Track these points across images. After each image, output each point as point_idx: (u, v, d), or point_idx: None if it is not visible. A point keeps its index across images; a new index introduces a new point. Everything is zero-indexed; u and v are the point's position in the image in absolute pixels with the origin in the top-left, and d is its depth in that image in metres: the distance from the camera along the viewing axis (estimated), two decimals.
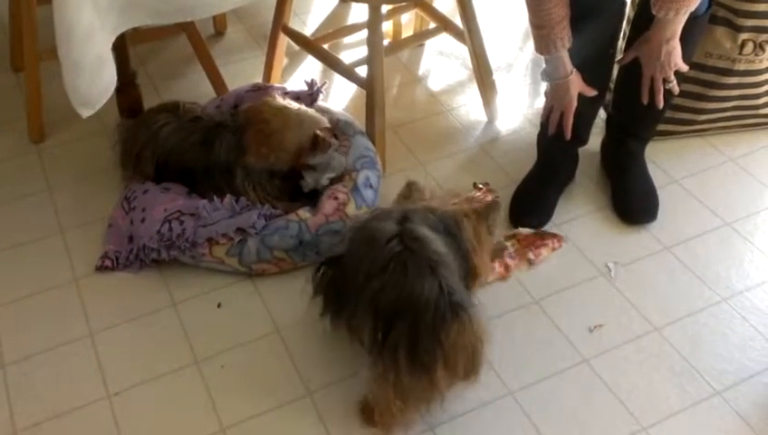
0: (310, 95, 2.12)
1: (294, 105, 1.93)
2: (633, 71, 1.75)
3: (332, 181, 1.93)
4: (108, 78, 1.75)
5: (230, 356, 1.64)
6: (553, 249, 1.86)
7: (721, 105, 2.10)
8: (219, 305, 1.75)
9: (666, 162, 2.09)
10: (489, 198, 2.00)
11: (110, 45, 1.73)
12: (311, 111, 1.96)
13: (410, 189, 1.66)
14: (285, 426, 1.51)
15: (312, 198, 1.92)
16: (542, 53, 1.67)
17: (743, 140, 2.16)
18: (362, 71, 2.08)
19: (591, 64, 1.73)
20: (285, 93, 2.10)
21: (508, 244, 1.87)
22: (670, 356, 1.63)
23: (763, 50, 2.01)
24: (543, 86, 1.75)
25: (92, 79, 1.71)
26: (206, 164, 1.87)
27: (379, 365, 1.39)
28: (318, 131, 1.88)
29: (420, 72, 2.48)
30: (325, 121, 1.94)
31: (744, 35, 1.98)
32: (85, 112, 1.75)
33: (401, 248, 1.40)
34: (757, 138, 2.17)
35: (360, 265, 1.45)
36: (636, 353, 1.64)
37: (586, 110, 1.84)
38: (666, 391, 1.56)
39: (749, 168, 2.08)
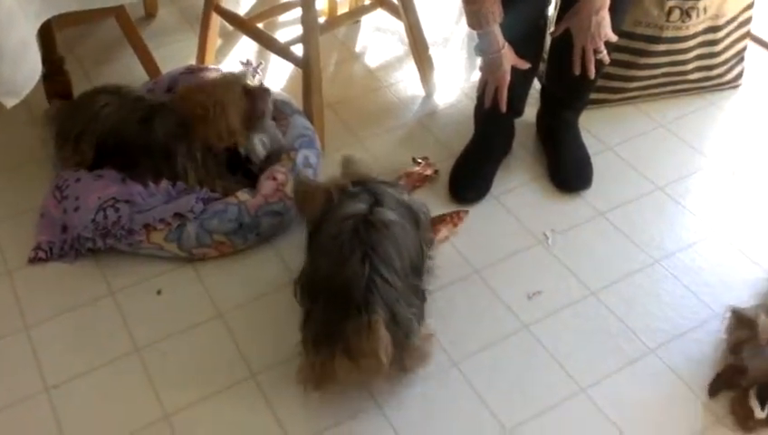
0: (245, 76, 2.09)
1: (229, 77, 1.91)
2: (564, 42, 1.77)
3: (271, 160, 1.92)
4: (32, 64, 1.70)
5: (172, 343, 1.62)
6: (455, 225, 1.87)
7: (651, 72, 2.15)
8: (159, 292, 1.73)
9: (599, 130, 2.12)
10: (428, 171, 2.03)
11: (35, 30, 1.67)
12: (232, 71, 1.95)
13: (348, 164, 1.67)
14: (230, 409, 1.51)
15: (250, 178, 1.90)
16: (474, 28, 1.68)
17: (673, 106, 2.21)
18: (298, 49, 2.06)
19: (523, 38, 1.75)
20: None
21: None
22: (606, 318, 1.67)
23: (689, 16, 2.05)
24: (479, 60, 1.76)
25: (16, 65, 1.65)
26: (146, 144, 1.83)
27: (301, 334, 1.44)
28: (247, 84, 1.87)
29: (357, 49, 2.47)
30: (248, 76, 1.92)
31: (670, 2, 2.02)
32: (10, 102, 1.69)
33: (349, 228, 1.42)
34: (687, 103, 2.22)
35: (318, 240, 1.50)
36: (573, 317, 1.68)
37: (520, 82, 1.86)
38: (603, 352, 1.60)
39: (679, 132, 2.13)
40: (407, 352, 1.42)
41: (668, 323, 1.66)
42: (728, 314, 1.58)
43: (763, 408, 1.45)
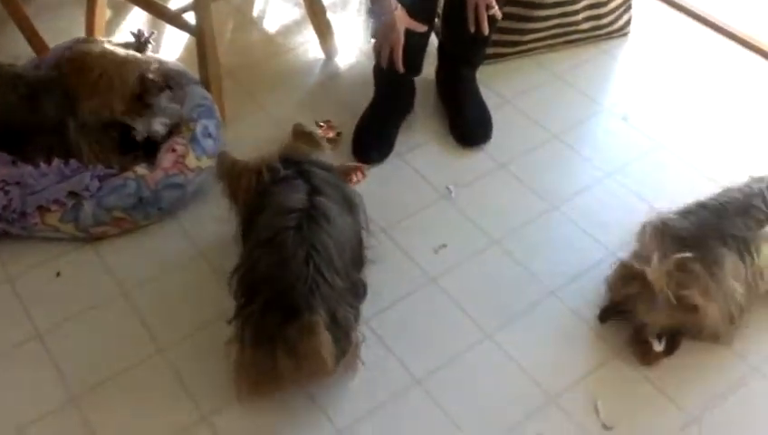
0: (137, 47, 2.03)
1: (119, 50, 1.86)
2: (457, 0, 1.79)
3: (170, 133, 1.88)
4: None
5: (75, 325, 1.59)
6: (356, 182, 1.88)
7: (543, 24, 2.19)
8: (58, 274, 1.68)
9: (497, 84, 2.16)
10: (331, 134, 2.03)
11: None
12: (137, 54, 1.89)
13: (299, 135, 1.67)
14: (139, 386, 1.49)
15: (149, 152, 1.86)
16: None
17: (567, 56, 2.26)
18: (191, 17, 2.01)
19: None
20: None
21: None
22: (509, 265, 1.72)
23: None
24: (373, 23, 1.76)
25: None
26: (35, 122, 1.76)
27: (233, 331, 1.39)
28: (146, 74, 1.82)
29: (254, 15, 2.43)
30: (153, 64, 1.87)
31: None
32: None
33: (293, 225, 1.38)
34: (580, 53, 2.28)
35: (257, 231, 1.44)
36: (478, 267, 1.72)
37: (416, 41, 1.86)
38: (506, 298, 1.65)
39: (573, 82, 2.19)
40: (347, 351, 1.40)
41: (567, 265, 1.72)
42: (615, 267, 1.58)
43: (660, 342, 1.53)
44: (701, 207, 1.61)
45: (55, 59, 2.01)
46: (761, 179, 1.66)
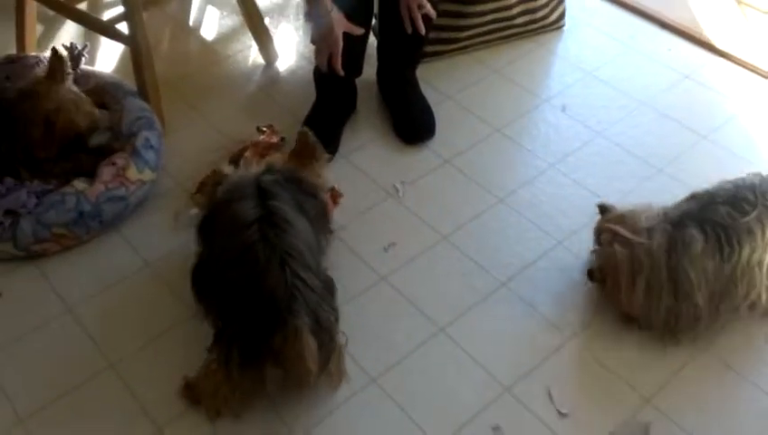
0: (71, 61, 1.99)
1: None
2: (391, 1, 1.80)
3: (108, 149, 1.84)
4: None
5: (20, 345, 1.54)
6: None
7: (480, 20, 2.22)
8: (0, 295, 1.63)
9: (438, 81, 2.18)
10: (274, 139, 2.02)
11: None
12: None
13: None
14: (90, 402, 1.46)
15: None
16: None
17: (504, 51, 2.30)
18: (124, 27, 1.97)
19: (352, 2, 1.75)
20: (39, 63, 1.96)
21: None
22: (459, 259, 1.74)
23: None
24: (310, 27, 1.75)
25: None
26: None
27: (214, 354, 1.37)
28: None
29: (191, 24, 2.41)
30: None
31: None
32: None
33: (257, 238, 1.35)
34: (517, 47, 2.32)
35: (219, 253, 1.41)
36: (428, 263, 1.73)
37: (354, 44, 1.86)
38: (457, 292, 1.67)
39: (512, 76, 2.22)
40: (332, 353, 1.38)
41: (516, 256, 1.74)
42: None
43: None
44: (692, 197, 1.58)
45: None
46: (757, 174, 1.59)
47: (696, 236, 1.49)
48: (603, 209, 1.61)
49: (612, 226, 1.54)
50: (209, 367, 1.39)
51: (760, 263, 1.52)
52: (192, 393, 1.45)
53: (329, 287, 1.46)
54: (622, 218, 1.55)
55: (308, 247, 1.41)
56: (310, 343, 1.28)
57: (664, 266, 1.49)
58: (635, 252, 1.50)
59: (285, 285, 1.31)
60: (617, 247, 1.51)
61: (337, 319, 1.40)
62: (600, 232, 1.59)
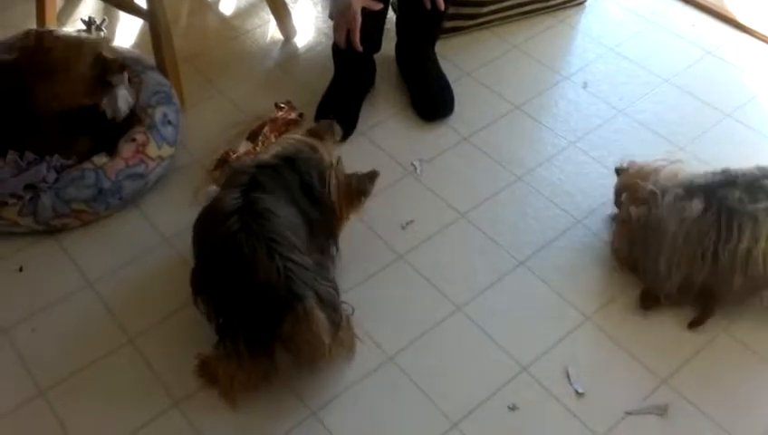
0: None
1: (73, 33, 1.81)
2: None
3: (127, 123, 1.84)
4: None
5: (40, 318, 1.56)
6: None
7: None
8: (21, 269, 1.65)
9: (457, 57, 2.16)
10: (292, 115, 2.01)
11: None
12: (90, 35, 1.85)
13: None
14: (110, 376, 1.48)
15: (105, 139, 1.82)
16: None
17: (525, 27, 2.27)
18: (143, 2, 1.97)
19: None
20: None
21: None
22: (476, 238, 1.73)
23: None
24: (329, 3, 1.74)
25: None
26: None
27: (221, 348, 1.36)
28: (103, 52, 1.77)
29: None
30: (108, 42, 1.83)
31: None
32: None
33: (237, 227, 1.33)
34: (537, 23, 2.28)
35: (202, 247, 1.41)
36: (446, 241, 1.72)
37: (373, 19, 1.85)
38: (475, 270, 1.66)
39: (532, 52, 2.19)
40: (340, 327, 1.38)
41: (534, 235, 1.73)
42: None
43: None
44: (722, 172, 1.54)
45: (8, 46, 1.96)
46: None
47: (696, 206, 1.48)
48: (620, 172, 1.65)
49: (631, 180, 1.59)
50: (221, 359, 1.39)
51: (765, 255, 1.46)
52: (208, 372, 1.45)
53: (321, 263, 1.44)
54: (641, 172, 1.60)
55: (293, 231, 1.38)
56: (321, 319, 1.28)
57: (655, 222, 1.52)
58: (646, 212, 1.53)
59: (278, 271, 1.29)
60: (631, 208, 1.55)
61: (336, 290, 1.39)
62: (619, 192, 1.64)
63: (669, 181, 1.55)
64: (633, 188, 1.59)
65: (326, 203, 1.51)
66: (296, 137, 1.58)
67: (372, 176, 1.57)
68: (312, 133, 1.60)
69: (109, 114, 1.79)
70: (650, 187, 1.55)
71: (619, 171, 1.67)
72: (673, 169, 1.60)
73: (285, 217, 1.40)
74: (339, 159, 1.55)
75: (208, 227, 1.41)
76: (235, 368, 1.38)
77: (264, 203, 1.38)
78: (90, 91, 1.76)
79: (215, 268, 1.36)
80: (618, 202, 1.67)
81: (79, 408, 1.43)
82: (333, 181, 1.51)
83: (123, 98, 1.81)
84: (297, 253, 1.35)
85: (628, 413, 1.42)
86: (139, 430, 1.40)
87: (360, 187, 1.55)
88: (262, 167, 1.46)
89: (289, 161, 1.48)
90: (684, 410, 1.43)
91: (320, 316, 1.28)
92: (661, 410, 1.43)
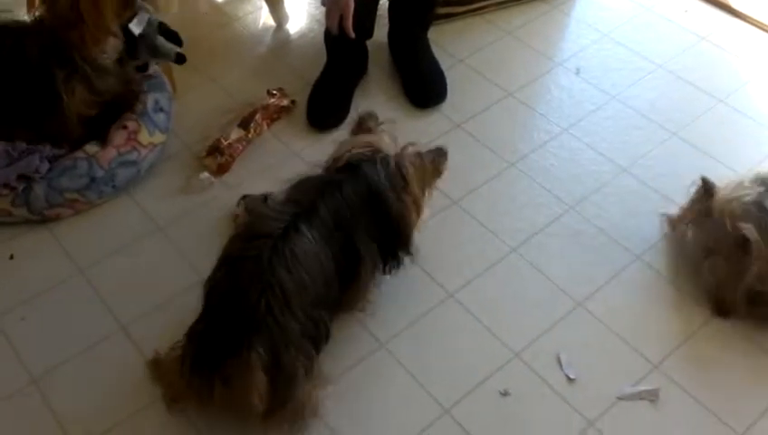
0: None
1: None
2: None
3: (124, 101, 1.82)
4: None
5: (30, 306, 1.56)
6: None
7: None
8: (12, 257, 1.65)
9: (449, 44, 2.15)
10: (284, 102, 2.01)
11: None
12: None
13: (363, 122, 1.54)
14: (101, 363, 1.47)
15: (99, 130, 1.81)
16: None
17: (518, 14, 2.26)
18: None
19: None
20: None
21: None
22: (470, 224, 1.73)
23: None
24: None
25: None
26: (20, 73, 1.65)
27: (177, 349, 1.34)
28: None
29: None
30: None
31: None
32: None
33: (253, 254, 1.27)
34: (530, 9, 2.28)
35: (227, 246, 1.35)
36: (438, 227, 1.72)
37: (365, 6, 1.85)
38: (467, 257, 1.66)
39: (525, 38, 2.19)
40: (290, 403, 1.30)
41: (526, 221, 1.73)
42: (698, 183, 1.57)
43: None
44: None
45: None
46: None
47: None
48: (708, 187, 1.55)
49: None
50: (171, 360, 1.36)
51: None
52: (156, 370, 1.43)
53: (313, 336, 1.32)
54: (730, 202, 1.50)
55: (304, 284, 1.29)
56: (259, 380, 1.21)
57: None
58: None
59: (254, 315, 1.23)
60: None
61: (308, 370, 1.29)
62: (708, 211, 1.53)
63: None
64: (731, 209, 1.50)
65: (396, 213, 1.43)
66: (352, 141, 1.49)
67: (441, 152, 1.49)
68: (360, 130, 1.52)
69: (135, 32, 1.75)
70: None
71: (708, 186, 1.55)
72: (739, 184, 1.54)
73: (311, 264, 1.30)
74: (405, 146, 1.46)
75: (241, 234, 1.35)
76: (177, 376, 1.32)
77: (294, 242, 1.29)
78: (118, 14, 1.69)
79: (218, 274, 1.31)
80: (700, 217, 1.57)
81: (70, 396, 1.43)
82: (410, 171, 1.43)
83: (137, 21, 1.76)
84: (285, 312, 1.26)
85: (620, 399, 1.43)
86: (129, 418, 1.40)
87: (434, 165, 1.47)
88: (327, 183, 1.38)
89: (353, 169, 1.40)
90: (675, 395, 1.44)
91: (258, 377, 1.21)
92: (652, 396, 1.43)
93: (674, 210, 1.68)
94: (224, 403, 1.28)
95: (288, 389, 1.27)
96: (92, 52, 1.69)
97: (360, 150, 1.44)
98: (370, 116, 1.54)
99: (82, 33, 1.65)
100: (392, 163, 1.42)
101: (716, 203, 1.51)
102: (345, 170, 1.41)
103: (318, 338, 1.34)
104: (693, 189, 1.60)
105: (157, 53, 1.87)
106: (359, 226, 1.38)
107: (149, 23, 1.80)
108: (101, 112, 1.79)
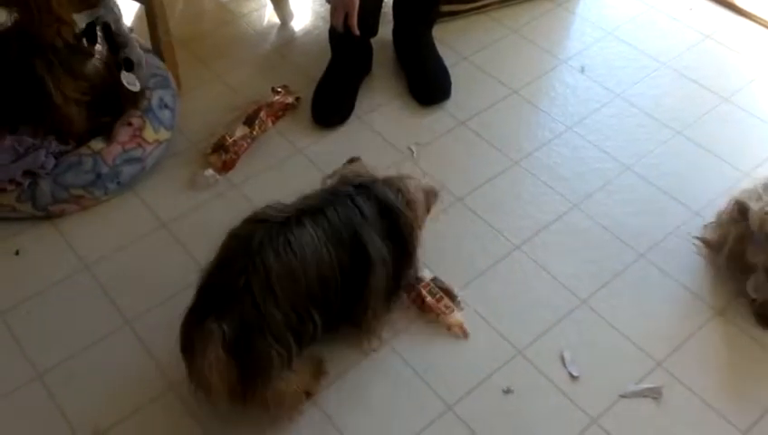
0: None
1: None
2: None
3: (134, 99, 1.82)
4: None
5: (36, 301, 1.57)
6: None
7: None
8: (17, 253, 1.65)
9: (454, 41, 2.15)
10: (289, 99, 2.01)
11: None
12: None
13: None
14: (106, 358, 1.48)
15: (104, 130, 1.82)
16: None
17: (523, 11, 2.26)
18: None
19: None
20: None
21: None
22: (473, 222, 1.73)
23: None
24: None
25: None
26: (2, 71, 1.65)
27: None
28: None
29: None
30: None
31: None
32: None
33: (244, 234, 1.28)
34: (535, 7, 2.28)
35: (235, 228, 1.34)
36: (442, 225, 1.71)
37: (370, 3, 1.85)
38: (471, 254, 1.66)
39: (530, 36, 2.19)
40: (266, 392, 1.26)
41: (530, 219, 1.73)
42: (731, 206, 1.54)
43: None
44: None
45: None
46: None
47: None
48: (744, 209, 1.51)
49: None
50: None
51: None
52: None
53: (298, 331, 1.28)
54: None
55: (296, 278, 1.27)
56: (214, 355, 1.18)
57: None
58: None
59: (231, 289, 1.22)
60: None
61: (285, 363, 1.25)
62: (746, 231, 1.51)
63: None
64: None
65: (407, 227, 1.43)
66: (353, 167, 1.51)
67: (434, 192, 1.52)
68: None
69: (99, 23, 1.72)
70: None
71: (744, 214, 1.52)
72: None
73: (308, 262, 1.28)
74: (405, 176, 1.47)
75: (249, 219, 1.34)
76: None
77: (292, 235, 1.28)
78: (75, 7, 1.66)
79: (209, 268, 1.30)
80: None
81: (76, 391, 1.43)
82: (418, 196, 1.46)
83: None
84: (267, 299, 1.23)
85: (623, 397, 1.43)
86: (135, 413, 1.40)
87: (427, 202, 1.50)
88: (339, 194, 1.38)
89: (365, 186, 1.41)
90: (678, 393, 1.44)
91: (216, 352, 1.18)
92: (656, 394, 1.44)
93: (703, 231, 1.65)
94: (195, 380, 1.25)
95: (259, 375, 1.23)
96: (55, 39, 1.64)
97: (364, 175, 1.45)
98: (355, 159, 1.55)
99: (39, 21, 1.60)
100: (402, 186, 1.43)
101: (752, 219, 1.48)
102: (358, 186, 1.41)
103: (303, 334, 1.30)
104: (723, 208, 1.57)
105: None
106: (371, 234, 1.37)
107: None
108: (99, 100, 1.77)
